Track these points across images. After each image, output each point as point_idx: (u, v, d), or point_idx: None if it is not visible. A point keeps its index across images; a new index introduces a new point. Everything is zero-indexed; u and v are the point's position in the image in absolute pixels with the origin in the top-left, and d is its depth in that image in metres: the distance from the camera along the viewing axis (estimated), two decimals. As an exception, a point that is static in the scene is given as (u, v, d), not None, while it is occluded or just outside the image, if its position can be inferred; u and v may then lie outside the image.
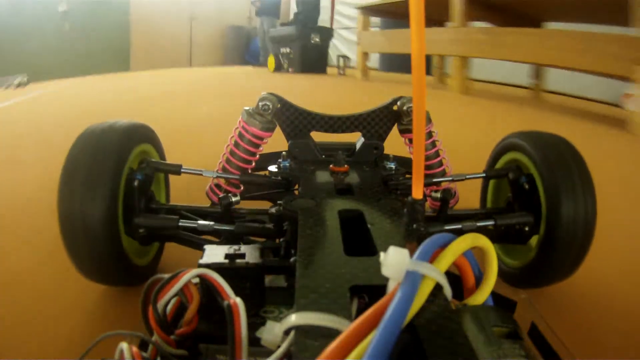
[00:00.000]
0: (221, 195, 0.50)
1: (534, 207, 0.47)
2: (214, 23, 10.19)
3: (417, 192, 0.32)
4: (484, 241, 0.24)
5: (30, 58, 8.66)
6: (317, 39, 4.74)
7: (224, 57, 10.19)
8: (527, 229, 0.46)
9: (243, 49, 10.04)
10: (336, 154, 0.53)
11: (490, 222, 0.47)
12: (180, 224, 0.47)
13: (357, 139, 0.61)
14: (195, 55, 10.28)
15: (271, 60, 5.46)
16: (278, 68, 5.05)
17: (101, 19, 9.36)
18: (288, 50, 4.90)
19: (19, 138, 1.44)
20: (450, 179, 0.54)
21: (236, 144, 0.54)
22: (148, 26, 9.80)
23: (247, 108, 0.54)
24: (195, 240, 0.48)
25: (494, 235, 0.47)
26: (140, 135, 0.49)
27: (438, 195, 0.51)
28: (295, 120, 0.57)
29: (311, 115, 0.58)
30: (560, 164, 0.45)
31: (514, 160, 0.53)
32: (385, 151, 0.61)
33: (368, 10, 3.71)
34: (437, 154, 0.57)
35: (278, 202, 0.44)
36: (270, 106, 0.53)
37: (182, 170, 0.51)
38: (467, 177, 0.53)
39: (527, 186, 0.48)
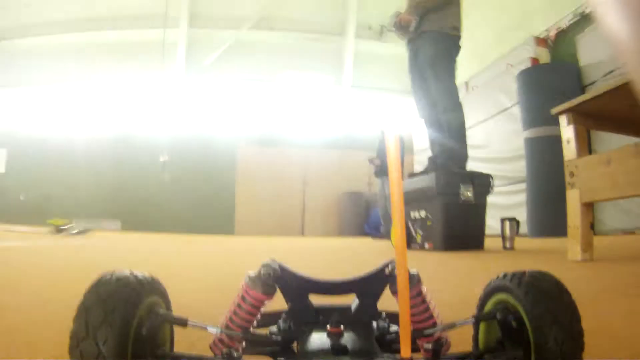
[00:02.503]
0: (224, 349, 0.74)
1: (524, 343, 0.70)
2: (328, 188, 12.37)
3: (405, 351, 0.51)
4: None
5: (127, 205, 11.52)
6: (469, 194, 4.50)
7: (340, 227, 11.95)
8: None
9: (361, 219, 11.63)
10: (332, 315, 0.82)
11: None
12: None
13: (352, 300, 0.89)
14: (307, 223, 12.42)
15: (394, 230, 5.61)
16: (407, 242, 4.83)
17: (204, 175, 11.89)
18: (422, 214, 4.78)
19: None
20: (441, 329, 0.77)
21: (239, 305, 0.82)
22: (256, 186, 12.02)
23: (250, 274, 0.82)
24: None
25: None
26: (149, 287, 0.75)
27: (430, 346, 0.76)
28: (294, 285, 0.85)
29: (309, 280, 0.86)
30: (545, 299, 0.68)
31: (501, 301, 0.78)
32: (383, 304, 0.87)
33: (582, 117, 2.91)
34: (427, 309, 0.81)
35: (278, 359, 0.69)
36: (272, 273, 0.81)
37: (188, 323, 0.76)
38: (457, 324, 0.77)
39: (514, 324, 0.72)
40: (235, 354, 0.70)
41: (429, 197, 4.63)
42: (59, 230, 8.06)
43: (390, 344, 0.81)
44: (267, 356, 0.84)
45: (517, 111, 7.93)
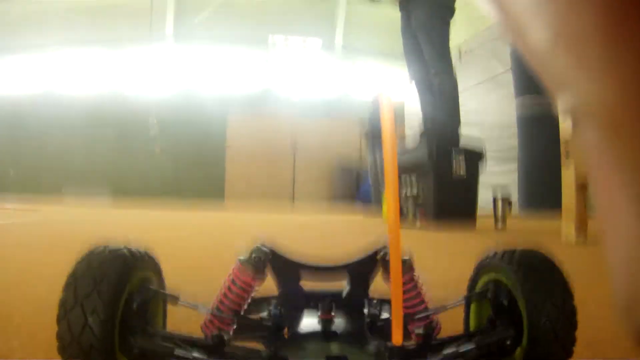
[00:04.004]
0: (215, 331, 0.73)
1: (515, 321, 0.69)
2: (320, 158, 12.24)
3: (397, 337, 0.53)
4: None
5: (117, 174, 11.63)
6: (462, 171, 4.43)
7: (332, 195, 11.75)
8: (508, 342, 0.69)
9: (353, 187, 11.53)
10: (323, 300, 0.82)
11: (472, 346, 0.69)
12: (175, 352, 0.68)
13: (343, 285, 0.90)
14: (298, 194, 12.32)
15: (385, 205, 5.47)
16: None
17: (194, 143, 11.90)
18: (414, 191, 4.72)
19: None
20: (432, 312, 0.78)
21: (229, 289, 0.81)
22: (247, 155, 11.93)
23: (241, 258, 0.81)
24: None
25: (477, 356, 0.69)
26: (142, 262, 0.74)
27: (421, 331, 0.72)
28: (285, 270, 0.86)
29: (301, 265, 0.86)
30: (537, 275, 0.68)
31: (492, 280, 0.77)
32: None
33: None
34: (418, 295, 0.81)
35: (269, 345, 0.70)
36: (262, 257, 0.81)
37: (179, 302, 0.76)
38: (448, 307, 0.78)
39: (506, 302, 0.72)
40: (225, 337, 0.70)
41: (420, 172, 4.61)
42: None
43: (381, 330, 0.79)
44: (257, 342, 0.82)
45: (509, 78, 7.83)
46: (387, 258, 0.81)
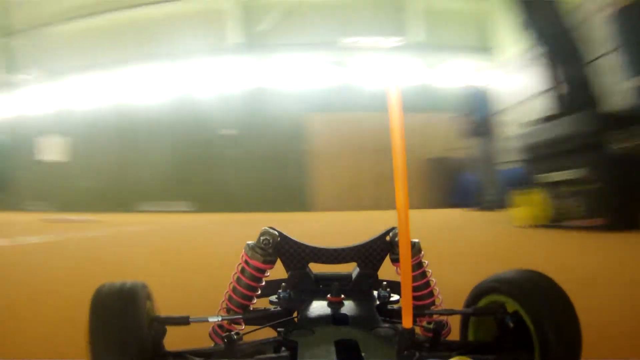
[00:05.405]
0: (224, 334, 0.78)
1: (524, 342, 0.78)
2: (410, 155, 11.09)
3: (407, 321, 0.62)
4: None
5: (195, 185, 11.18)
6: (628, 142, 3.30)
7: (425, 196, 10.77)
8: None
9: (449, 186, 10.56)
10: (333, 284, 0.91)
11: (493, 357, 0.78)
12: None
13: (352, 268, 1.00)
14: (387, 194, 11.30)
15: (524, 201, 4.08)
16: (556, 218, 3.56)
17: (273, 148, 11.30)
18: (570, 174, 3.60)
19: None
20: (442, 311, 0.88)
21: (238, 280, 0.91)
22: (330, 157, 11.22)
23: (249, 242, 0.91)
24: None
25: None
26: (144, 294, 0.81)
27: (431, 326, 0.82)
28: (294, 253, 0.96)
29: (309, 248, 0.96)
30: (544, 299, 0.77)
31: (495, 302, 0.84)
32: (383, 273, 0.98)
33: None
34: (427, 285, 0.91)
35: (279, 330, 0.81)
36: (271, 240, 0.90)
37: (190, 320, 0.83)
38: (457, 311, 0.87)
39: (512, 325, 0.80)
40: (235, 337, 0.71)
41: (579, 149, 3.50)
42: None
43: (391, 313, 0.86)
44: (268, 327, 0.85)
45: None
46: (396, 239, 0.87)
